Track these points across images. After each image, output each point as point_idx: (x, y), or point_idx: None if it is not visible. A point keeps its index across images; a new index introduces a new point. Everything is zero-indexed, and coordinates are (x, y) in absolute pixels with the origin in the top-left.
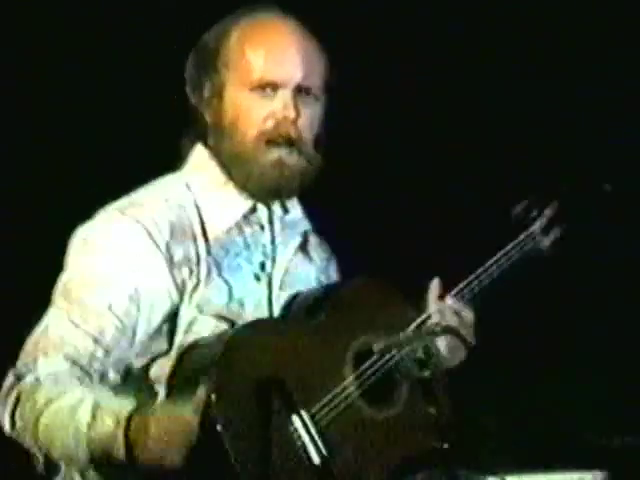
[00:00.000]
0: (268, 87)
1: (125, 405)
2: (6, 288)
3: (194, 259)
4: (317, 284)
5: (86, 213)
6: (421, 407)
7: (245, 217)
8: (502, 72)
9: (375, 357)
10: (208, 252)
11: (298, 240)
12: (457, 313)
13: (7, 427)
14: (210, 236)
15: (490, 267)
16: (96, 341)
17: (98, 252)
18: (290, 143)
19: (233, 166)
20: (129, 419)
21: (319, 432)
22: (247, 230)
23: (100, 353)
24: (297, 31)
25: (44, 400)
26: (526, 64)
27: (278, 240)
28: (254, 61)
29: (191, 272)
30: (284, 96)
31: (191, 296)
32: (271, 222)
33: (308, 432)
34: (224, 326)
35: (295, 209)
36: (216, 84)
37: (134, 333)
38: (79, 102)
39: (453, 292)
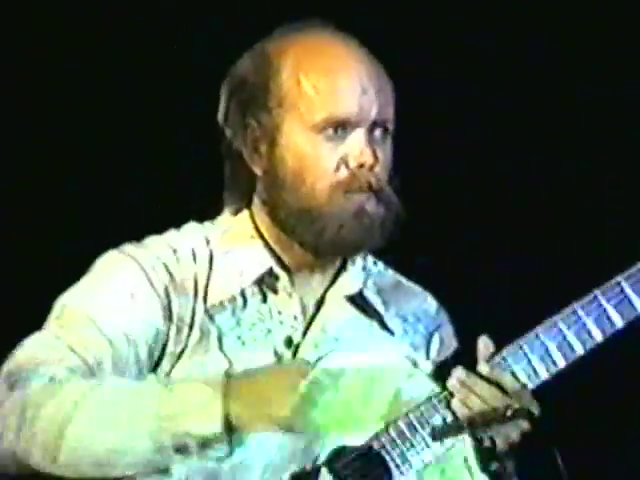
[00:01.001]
0: (337, 127)
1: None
2: (6, 288)
3: (187, 320)
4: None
5: (86, 213)
6: None
7: (263, 280)
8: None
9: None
10: (211, 319)
11: (341, 292)
12: (494, 382)
13: (7, 442)
14: (216, 299)
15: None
16: (92, 367)
17: (95, 285)
18: (370, 190)
19: (300, 223)
20: (226, 383)
21: None
22: (270, 296)
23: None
24: (362, 53)
25: (77, 394)
26: (526, 64)
27: (322, 309)
28: (317, 96)
29: (179, 332)
30: (358, 137)
31: (173, 362)
32: (298, 287)
33: None
34: None
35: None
36: (267, 127)
37: (126, 367)
38: (79, 102)
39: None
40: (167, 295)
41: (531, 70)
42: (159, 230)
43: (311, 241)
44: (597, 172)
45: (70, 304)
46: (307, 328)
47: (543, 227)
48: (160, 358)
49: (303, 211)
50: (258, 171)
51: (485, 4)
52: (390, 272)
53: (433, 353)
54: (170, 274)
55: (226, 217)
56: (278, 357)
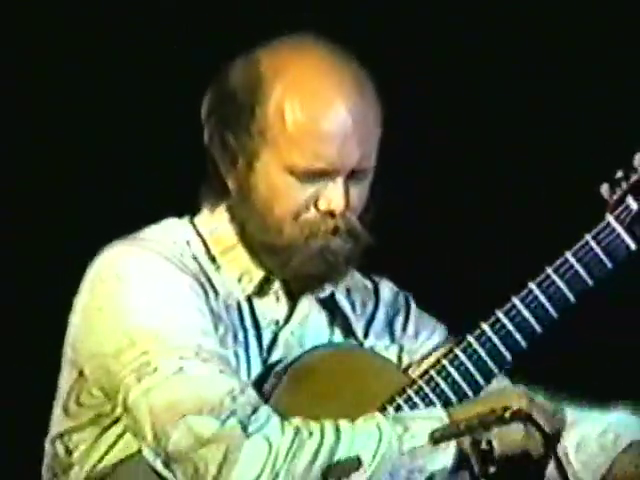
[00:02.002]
0: (313, 174)
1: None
2: (6, 288)
3: (215, 314)
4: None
5: (85, 213)
6: None
7: (260, 289)
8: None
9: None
10: (228, 313)
11: (312, 297)
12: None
13: None
14: (225, 299)
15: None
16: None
17: (160, 296)
18: (335, 232)
19: (265, 252)
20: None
21: None
22: (259, 302)
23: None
24: (357, 93)
25: (332, 439)
26: (526, 64)
27: (297, 311)
28: (299, 142)
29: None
30: (333, 186)
31: None
32: (289, 294)
33: None
34: None
35: None
36: (247, 150)
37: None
38: (79, 102)
39: None
40: (204, 288)
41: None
42: None
43: (275, 269)
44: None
45: (160, 319)
46: (280, 329)
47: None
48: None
49: (267, 244)
50: (231, 184)
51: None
52: (357, 275)
53: (397, 332)
54: (192, 270)
55: (207, 217)
56: (263, 361)
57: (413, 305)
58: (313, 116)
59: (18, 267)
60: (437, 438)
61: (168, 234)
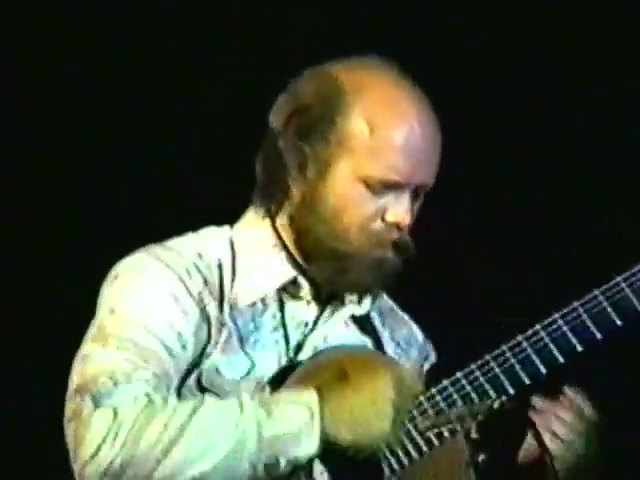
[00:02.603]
0: (386, 186)
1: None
2: (6, 288)
3: (218, 322)
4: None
5: (86, 214)
6: None
7: (285, 289)
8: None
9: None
10: (234, 319)
11: (349, 311)
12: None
13: (107, 452)
14: (240, 302)
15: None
16: (160, 377)
17: (136, 294)
18: (396, 244)
19: (324, 257)
20: (320, 402)
21: None
22: (288, 303)
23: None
24: (430, 116)
25: (180, 418)
26: (526, 64)
27: (324, 316)
28: (382, 157)
29: (217, 332)
30: (401, 199)
31: (203, 360)
32: (318, 298)
33: None
34: None
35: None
36: (321, 157)
37: (183, 369)
38: (79, 102)
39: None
40: (202, 299)
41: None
42: (161, 229)
43: (326, 276)
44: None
45: (120, 313)
46: (310, 333)
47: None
48: (200, 357)
49: (331, 248)
50: (296, 191)
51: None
52: (386, 297)
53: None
54: (203, 279)
55: (245, 224)
56: (290, 360)
57: (432, 357)
58: (395, 131)
59: (18, 266)
60: (427, 427)
61: (199, 241)
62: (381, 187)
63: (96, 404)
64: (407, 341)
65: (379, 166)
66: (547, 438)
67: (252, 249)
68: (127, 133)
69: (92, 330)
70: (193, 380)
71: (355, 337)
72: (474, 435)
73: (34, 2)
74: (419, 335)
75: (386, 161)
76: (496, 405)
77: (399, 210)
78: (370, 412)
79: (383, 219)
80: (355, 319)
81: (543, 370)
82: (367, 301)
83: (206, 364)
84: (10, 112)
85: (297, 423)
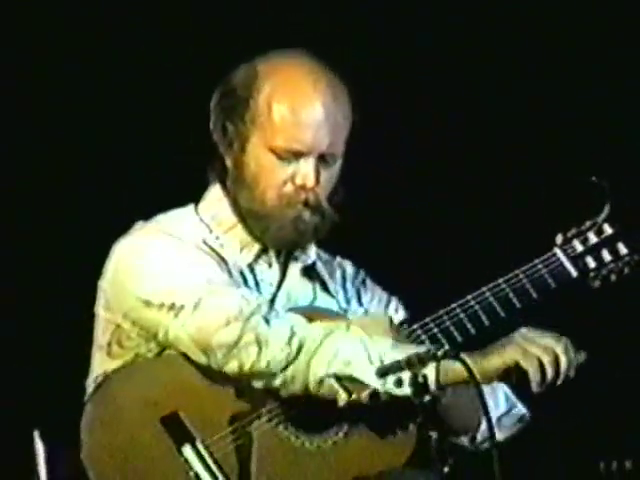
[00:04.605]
0: (291, 154)
1: None
2: (6, 289)
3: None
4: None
5: (86, 214)
6: (383, 429)
7: (258, 257)
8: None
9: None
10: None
11: (299, 265)
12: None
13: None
14: (233, 270)
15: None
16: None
17: (177, 264)
18: (306, 205)
19: (250, 218)
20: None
21: (215, 462)
22: (258, 267)
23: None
24: (330, 93)
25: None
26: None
27: (285, 275)
28: (281, 128)
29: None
30: (306, 165)
31: None
32: (279, 259)
33: (203, 462)
34: None
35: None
36: (240, 134)
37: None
38: (79, 102)
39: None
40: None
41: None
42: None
43: (257, 235)
44: None
45: (175, 275)
46: (277, 292)
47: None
48: None
49: (253, 211)
50: (229, 163)
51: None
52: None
53: (365, 299)
54: (208, 247)
55: (208, 203)
56: (265, 319)
57: (368, 279)
58: (294, 108)
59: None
60: (382, 372)
61: (179, 220)
62: (288, 155)
63: (266, 321)
64: (343, 276)
65: (282, 137)
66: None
67: (222, 225)
68: (127, 133)
69: (148, 298)
70: None
71: (307, 287)
72: (420, 379)
73: (34, 2)
74: (349, 267)
75: (287, 133)
76: (439, 353)
77: (305, 173)
78: None
79: (293, 183)
80: (305, 271)
81: (473, 331)
82: (312, 254)
83: None
84: (10, 112)
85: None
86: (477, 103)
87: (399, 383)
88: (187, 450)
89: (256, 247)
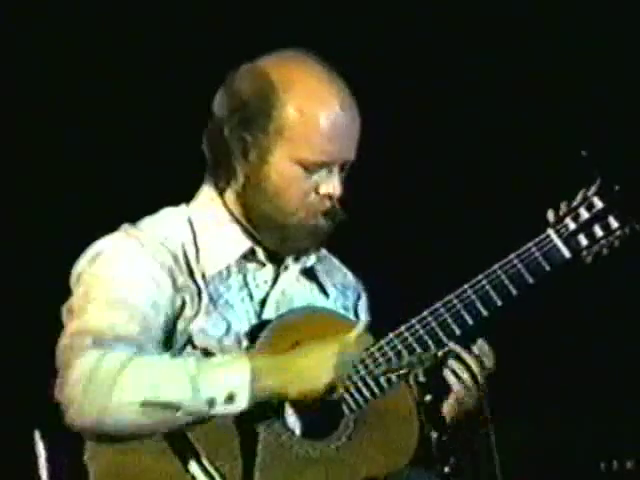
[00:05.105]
0: (318, 165)
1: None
2: (6, 289)
3: (194, 290)
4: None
5: (86, 214)
6: (383, 433)
7: (245, 257)
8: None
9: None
10: (206, 288)
11: (298, 266)
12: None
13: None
14: (207, 272)
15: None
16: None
17: (112, 267)
18: (327, 213)
19: (268, 227)
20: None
21: (221, 476)
22: (248, 266)
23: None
24: (349, 101)
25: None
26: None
27: (280, 274)
28: (310, 140)
29: (196, 299)
30: (331, 174)
31: (188, 324)
32: (272, 260)
33: (209, 477)
34: None
35: None
36: (262, 146)
37: (158, 333)
38: (79, 102)
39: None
40: (172, 273)
41: None
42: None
43: (272, 243)
44: None
45: (106, 282)
46: (271, 289)
47: None
48: (175, 322)
49: (274, 220)
50: (240, 172)
51: None
52: (323, 249)
53: (361, 314)
54: (172, 255)
55: (200, 203)
56: (257, 314)
57: (363, 295)
58: (322, 118)
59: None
60: (382, 372)
61: (162, 224)
62: (314, 166)
63: (95, 348)
64: (343, 284)
65: (311, 150)
66: (452, 380)
67: (210, 225)
68: (128, 133)
69: (78, 295)
70: (185, 341)
71: (305, 287)
72: (422, 379)
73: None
74: (351, 277)
75: (316, 145)
76: (440, 354)
77: (331, 184)
78: (315, 370)
79: (317, 192)
80: (304, 272)
81: (470, 322)
82: (312, 256)
83: (193, 327)
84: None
85: (227, 359)
86: (460, 81)
87: (388, 382)
88: (193, 466)
89: (246, 246)
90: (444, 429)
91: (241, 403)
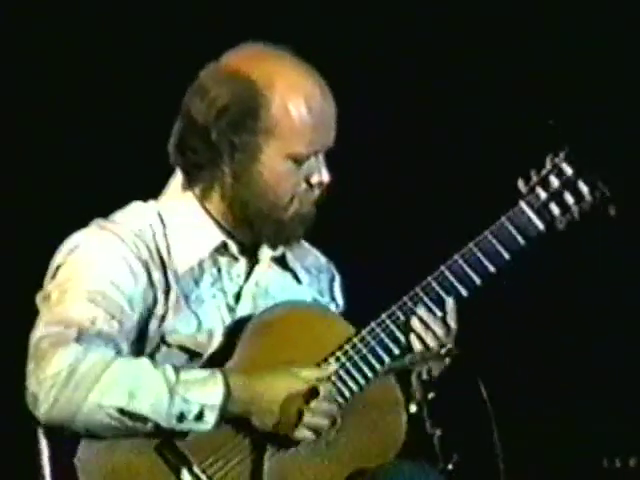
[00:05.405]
0: (309, 157)
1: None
2: (6, 288)
3: (164, 287)
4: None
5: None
6: (377, 427)
7: (217, 250)
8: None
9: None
10: (177, 282)
11: (268, 256)
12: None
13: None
14: (179, 268)
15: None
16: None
17: (91, 259)
18: (316, 200)
19: (260, 221)
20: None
21: None
22: (221, 260)
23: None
24: (326, 89)
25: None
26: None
27: (254, 267)
28: (305, 134)
29: (164, 296)
30: (319, 162)
31: (160, 322)
32: (245, 253)
33: None
34: (185, 358)
35: None
36: (251, 145)
37: (132, 328)
38: (79, 102)
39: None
40: (147, 267)
41: None
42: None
43: (267, 235)
44: None
45: (84, 273)
46: (245, 283)
47: None
48: (148, 320)
49: (270, 215)
50: (228, 173)
51: None
52: None
53: (337, 296)
54: (147, 248)
55: (170, 197)
56: (230, 308)
57: (337, 277)
58: (308, 112)
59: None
60: (387, 370)
61: (135, 218)
62: (305, 158)
63: (77, 342)
64: (316, 267)
65: (302, 143)
66: (417, 344)
67: (181, 220)
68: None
69: (55, 284)
70: (158, 340)
71: (278, 275)
72: (425, 376)
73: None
74: (322, 259)
75: (307, 137)
76: (443, 352)
77: (320, 171)
78: (276, 412)
79: (308, 182)
80: (275, 260)
81: (478, 282)
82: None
83: (165, 326)
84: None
85: (202, 375)
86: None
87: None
88: (185, 475)
89: (218, 240)
90: (445, 426)
91: (208, 423)
